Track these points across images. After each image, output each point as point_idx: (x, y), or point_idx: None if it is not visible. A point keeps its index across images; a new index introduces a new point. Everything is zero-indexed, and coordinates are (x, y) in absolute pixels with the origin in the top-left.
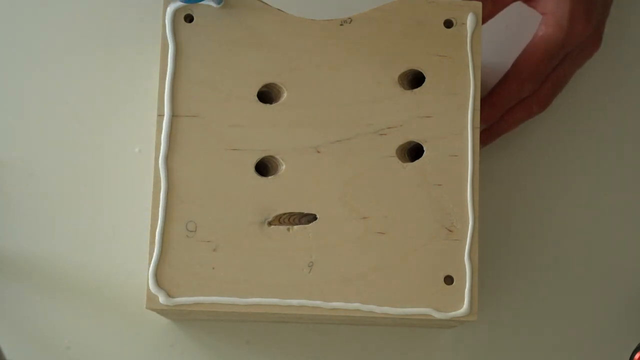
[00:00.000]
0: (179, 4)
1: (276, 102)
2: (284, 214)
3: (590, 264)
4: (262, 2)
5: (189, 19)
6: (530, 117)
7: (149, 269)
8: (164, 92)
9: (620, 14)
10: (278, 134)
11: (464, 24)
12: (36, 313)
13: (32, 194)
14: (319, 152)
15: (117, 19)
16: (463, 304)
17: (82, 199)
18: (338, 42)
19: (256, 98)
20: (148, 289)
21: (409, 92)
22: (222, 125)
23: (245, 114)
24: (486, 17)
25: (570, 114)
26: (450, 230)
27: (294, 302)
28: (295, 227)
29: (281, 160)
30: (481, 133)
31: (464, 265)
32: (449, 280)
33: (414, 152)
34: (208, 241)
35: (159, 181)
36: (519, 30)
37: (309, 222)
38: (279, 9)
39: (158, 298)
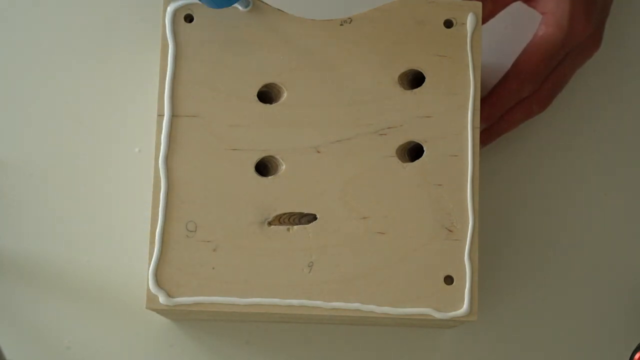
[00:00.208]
0: (179, 3)
1: (276, 102)
2: (284, 214)
3: (590, 264)
4: (262, 2)
5: (189, 19)
6: (530, 117)
7: (149, 269)
8: (164, 92)
9: (620, 14)
10: (278, 134)
11: (464, 24)
12: (36, 313)
13: (32, 194)
14: (319, 152)
15: (117, 19)
16: (463, 304)
17: (82, 199)
18: (338, 42)
19: (256, 98)
20: (148, 289)
21: (409, 92)
22: (222, 125)
23: (245, 114)
24: (486, 17)
25: (570, 114)
26: (450, 230)
27: (294, 302)
28: (295, 227)
29: (281, 160)
30: (481, 133)
31: (464, 265)
32: (449, 280)
33: (414, 152)
34: (208, 241)
35: (159, 181)
36: (519, 30)
37: (309, 222)
38: (279, 9)
39: (158, 298)
